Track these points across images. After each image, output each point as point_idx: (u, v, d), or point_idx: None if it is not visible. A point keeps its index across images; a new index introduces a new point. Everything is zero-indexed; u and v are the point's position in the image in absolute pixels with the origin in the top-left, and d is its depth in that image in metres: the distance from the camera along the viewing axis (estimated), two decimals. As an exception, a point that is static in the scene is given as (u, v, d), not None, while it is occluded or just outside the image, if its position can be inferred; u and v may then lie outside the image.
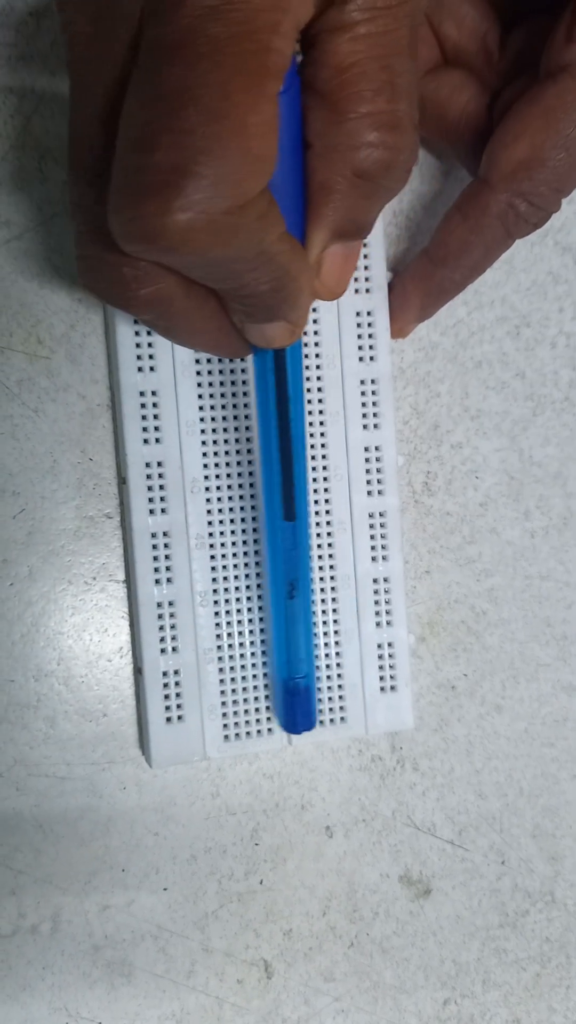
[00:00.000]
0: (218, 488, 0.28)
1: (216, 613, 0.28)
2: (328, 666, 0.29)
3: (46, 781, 0.29)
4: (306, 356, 0.28)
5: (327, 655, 0.29)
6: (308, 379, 0.28)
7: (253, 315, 0.21)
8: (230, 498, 0.28)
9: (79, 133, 0.20)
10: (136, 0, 0.18)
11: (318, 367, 0.28)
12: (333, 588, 0.29)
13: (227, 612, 0.28)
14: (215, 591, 0.28)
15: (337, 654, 0.29)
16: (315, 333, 0.28)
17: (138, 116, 0.18)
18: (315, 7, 0.19)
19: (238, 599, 0.28)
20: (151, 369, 0.27)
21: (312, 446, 0.28)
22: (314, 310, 0.28)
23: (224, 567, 0.28)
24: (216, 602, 0.28)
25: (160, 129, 0.17)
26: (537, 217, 0.26)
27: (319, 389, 0.28)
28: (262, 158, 0.18)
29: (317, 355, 0.28)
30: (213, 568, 0.28)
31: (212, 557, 0.28)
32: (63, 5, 0.19)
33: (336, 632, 0.29)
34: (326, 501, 0.28)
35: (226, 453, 0.28)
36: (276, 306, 0.21)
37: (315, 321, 0.28)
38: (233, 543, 0.28)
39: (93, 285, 0.21)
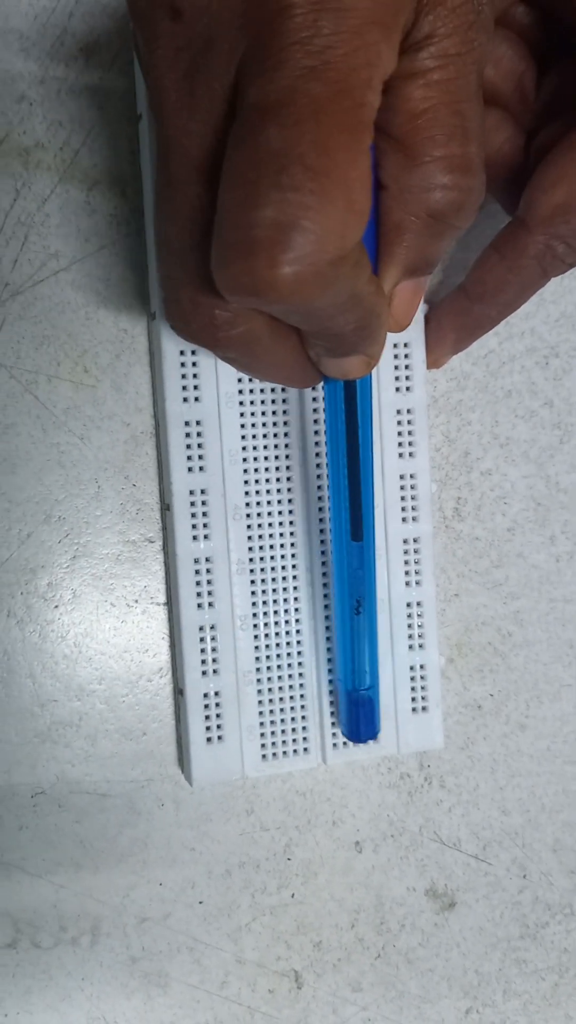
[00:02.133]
0: (259, 515, 0.28)
1: (256, 636, 0.29)
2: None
3: (87, 798, 0.29)
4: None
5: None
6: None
7: (334, 351, 0.22)
8: (270, 524, 0.28)
9: (176, 181, 0.20)
10: (230, 58, 0.19)
11: (356, 397, 0.29)
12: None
13: (266, 635, 0.29)
14: (255, 615, 0.29)
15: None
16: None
17: (244, 173, 0.18)
18: (397, 54, 0.20)
19: (276, 623, 0.29)
20: (196, 400, 0.28)
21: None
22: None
23: (264, 592, 0.29)
24: (256, 626, 0.29)
25: (267, 187, 0.18)
26: (573, 258, 0.26)
27: (357, 419, 0.29)
28: (362, 210, 0.19)
29: (355, 386, 0.29)
30: (253, 593, 0.28)
31: (252, 582, 0.28)
32: (153, 59, 0.20)
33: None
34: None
35: (267, 481, 0.28)
36: (358, 342, 0.22)
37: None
38: (272, 568, 0.29)
39: (183, 327, 0.21)
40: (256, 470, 0.28)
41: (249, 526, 0.28)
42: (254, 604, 0.28)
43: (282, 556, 0.29)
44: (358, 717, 0.28)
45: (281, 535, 0.29)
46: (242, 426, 0.28)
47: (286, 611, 0.29)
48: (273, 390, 0.28)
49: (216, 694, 0.28)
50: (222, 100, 0.19)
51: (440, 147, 0.20)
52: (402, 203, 0.21)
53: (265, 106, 0.18)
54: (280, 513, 0.29)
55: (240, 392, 0.28)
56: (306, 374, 0.23)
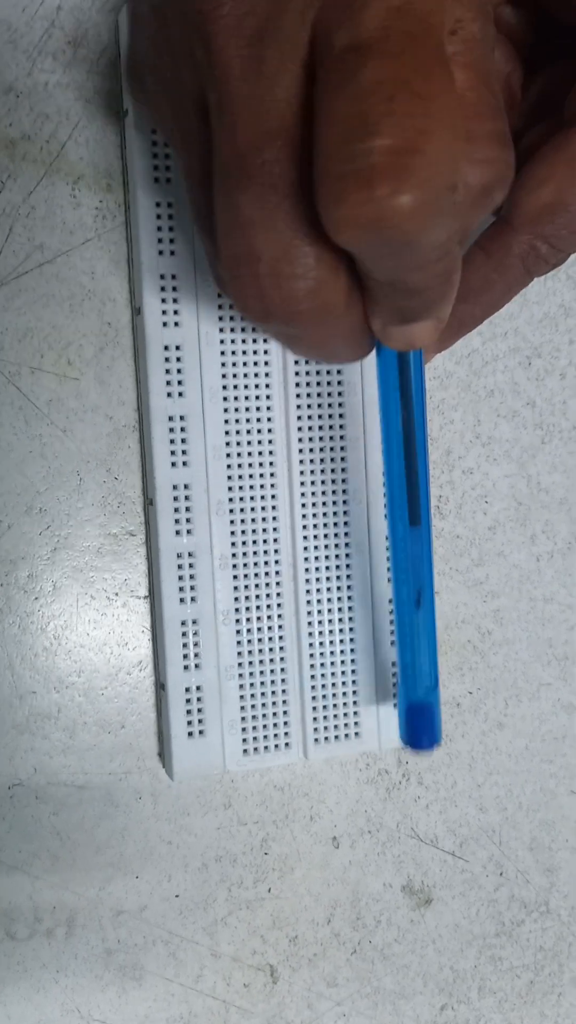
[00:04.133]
0: (242, 511, 0.28)
1: (238, 632, 0.29)
2: (343, 683, 0.30)
3: (64, 790, 0.29)
4: (328, 383, 0.29)
5: (343, 672, 0.30)
6: (329, 405, 0.29)
7: (409, 314, 0.22)
8: (253, 520, 0.29)
9: (249, 150, 0.20)
10: (303, 16, 0.19)
11: (340, 394, 0.29)
12: (350, 608, 0.29)
13: (248, 631, 0.29)
14: (237, 610, 0.29)
15: (353, 672, 0.30)
16: (338, 361, 0.29)
17: (350, 108, 0.18)
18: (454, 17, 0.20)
19: (259, 618, 0.29)
20: (180, 395, 0.28)
21: (332, 470, 0.29)
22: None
23: (246, 587, 0.29)
24: (238, 621, 0.29)
25: (379, 115, 0.18)
26: (557, 258, 0.27)
27: (340, 415, 0.29)
28: (463, 133, 0.19)
29: (339, 382, 0.29)
30: (235, 588, 0.29)
31: (235, 577, 0.28)
32: (215, 28, 0.20)
33: (352, 650, 0.30)
34: (345, 524, 0.29)
35: (250, 477, 0.28)
36: (437, 300, 0.22)
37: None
38: (255, 564, 0.29)
39: (257, 305, 0.21)
40: (240, 465, 0.28)
41: (232, 521, 0.28)
42: (236, 599, 0.29)
43: (265, 552, 0.29)
44: (419, 724, 0.27)
45: (264, 531, 0.29)
46: (226, 421, 0.28)
47: (268, 607, 0.29)
48: (257, 385, 0.28)
49: (198, 688, 0.28)
50: (296, 62, 0.19)
51: (488, 122, 0.21)
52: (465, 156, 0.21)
53: (362, 44, 0.18)
54: (263, 509, 0.29)
55: (224, 387, 0.28)
56: (362, 347, 0.23)
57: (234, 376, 0.28)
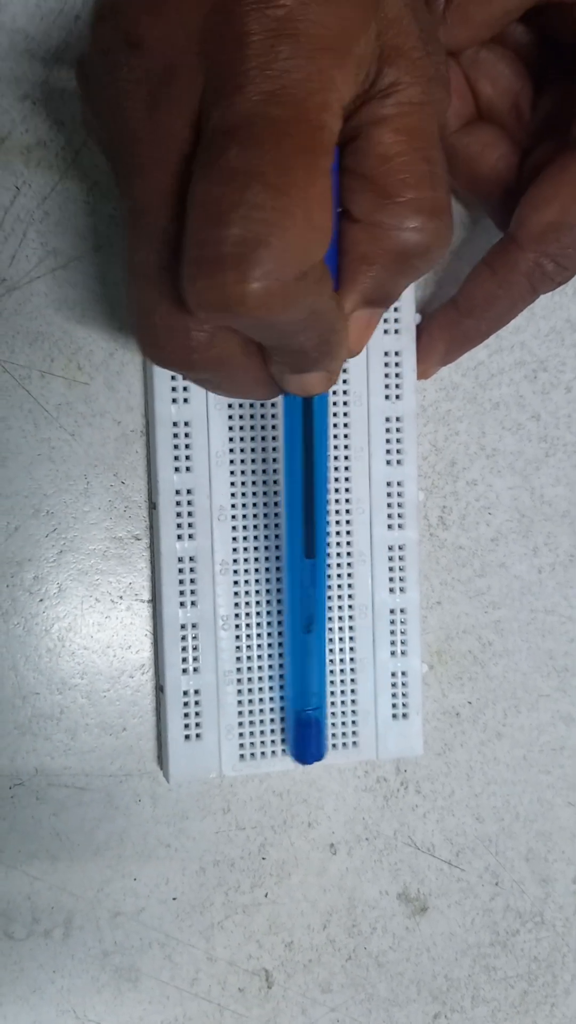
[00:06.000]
0: (243, 517, 0.29)
1: (237, 637, 0.29)
2: (343, 692, 0.30)
3: (65, 791, 0.30)
4: (334, 392, 0.29)
5: (342, 681, 0.30)
6: (335, 415, 0.29)
7: (296, 366, 0.23)
8: (255, 527, 0.29)
9: (144, 208, 0.20)
10: (192, 85, 0.19)
11: (345, 403, 0.29)
12: (351, 617, 0.30)
13: (247, 636, 0.29)
14: (237, 615, 0.29)
15: (352, 680, 0.30)
16: (344, 371, 0.29)
17: (209, 193, 0.19)
18: (355, 87, 0.20)
19: (258, 624, 0.29)
20: (185, 401, 0.28)
21: (336, 480, 0.29)
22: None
23: (246, 592, 0.29)
24: (237, 626, 0.29)
25: (231, 205, 0.18)
26: (562, 276, 0.27)
27: (345, 425, 0.29)
28: (323, 227, 0.19)
29: (345, 392, 0.29)
30: (236, 593, 0.29)
31: (235, 583, 0.29)
32: (115, 90, 0.20)
33: (352, 660, 0.30)
34: (348, 533, 0.30)
35: (252, 484, 0.29)
36: (319, 358, 0.22)
37: (344, 360, 0.29)
38: (256, 570, 0.29)
39: (155, 352, 0.22)
40: (243, 472, 0.29)
41: (234, 527, 0.29)
42: (236, 604, 0.29)
43: (266, 558, 0.29)
44: (306, 738, 0.28)
45: (266, 537, 0.29)
46: (230, 428, 0.28)
47: (268, 612, 0.29)
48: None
49: (196, 692, 0.29)
50: (186, 127, 0.20)
51: (411, 189, 0.21)
52: (372, 237, 0.22)
53: (228, 128, 0.19)
54: (265, 515, 0.29)
55: (230, 395, 0.28)
56: (269, 390, 0.24)
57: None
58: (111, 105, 0.21)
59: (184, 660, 0.28)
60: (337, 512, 0.29)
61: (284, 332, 0.21)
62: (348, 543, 0.30)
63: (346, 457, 0.29)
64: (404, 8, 0.21)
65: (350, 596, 0.30)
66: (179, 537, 0.28)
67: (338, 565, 0.30)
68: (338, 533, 0.29)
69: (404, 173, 0.21)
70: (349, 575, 0.30)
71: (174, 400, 0.28)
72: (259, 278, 0.18)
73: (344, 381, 0.29)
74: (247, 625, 0.29)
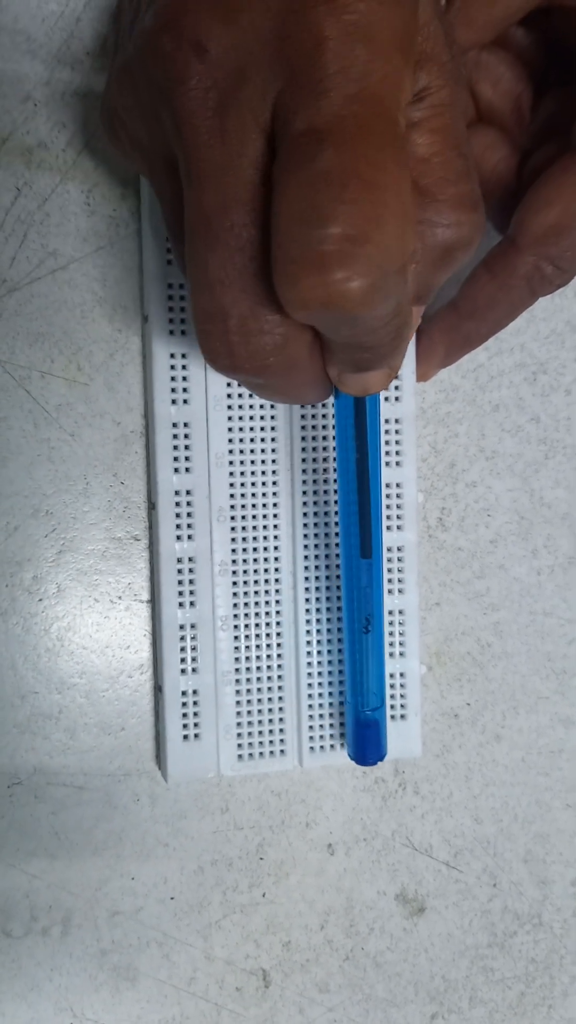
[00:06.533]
0: (243, 518, 0.29)
1: (236, 637, 0.29)
2: (341, 693, 0.30)
3: (64, 790, 0.30)
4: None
5: (341, 683, 0.30)
6: (334, 415, 0.29)
7: (363, 364, 0.23)
8: (254, 528, 0.29)
9: (215, 214, 0.20)
10: (264, 91, 0.20)
11: (344, 405, 0.29)
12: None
13: (246, 637, 0.29)
14: (235, 616, 0.29)
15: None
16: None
17: (303, 193, 0.19)
18: (415, 86, 0.21)
19: (257, 624, 0.29)
20: (185, 402, 0.28)
21: (335, 480, 0.29)
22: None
23: (245, 593, 0.29)
24: (236, 627, 0.29)
25: (332, 203, 0.18)
26: (562, 279, 0.27)
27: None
28: (414, 218, 0.20)
29: (344, 394, 0.29)
30: (235, 594, 0.29)
31: (234, 583, 0.29)
32: (183, 99, 0.20)
33: (350, 661, 0.30)
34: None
35: (252, 484, 0.29)
36: (388, 354, 0.22)
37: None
38: (255, 571, 0.29)
39: (227, 359, 0.21)
40: (242, 473, 0.29)
41: (233, 528, 0.29)
42: (235, 605, 0.29)
43: (265, 559, 0.29)
44: (365, 740, 0.28)
45: (265, 538, 0.29)
46: (229, 429, 0.28)
47: (267, 614, 0.29)
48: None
49: (194, 692, 0.29)
50: (257, 133, 0.20)
51: (452, 186, 0.22)
52: (418, 235, 0.22)
53: (317, 131, 0.19)
54: (264, 516, 0.29)
55: (228, 396, 0.28)
56: (323, 391, 0.24)
57: (239, 384, 0.28)
58: (176, 113, 0.20)
59: (183, 660, 0.29)
60: (336, 513, 0.29)
61: (371, 327, 0.21)
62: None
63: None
64: (432, 13, 0.21)
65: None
66: (178, 538, 0.28)
67: (337, 567, 0.30)
68: (336, 534, 0.29)
69: (443, 171, 0.22)
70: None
71: (174, 401, 0.28)
72: (364, 274, 0.19)
73: (344, 383, 0.29)
74: (246, 626, 0.29)
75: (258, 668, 0.29)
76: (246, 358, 0.21)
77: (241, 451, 0.29)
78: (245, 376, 0.22)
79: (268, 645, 0.29)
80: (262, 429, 0.29)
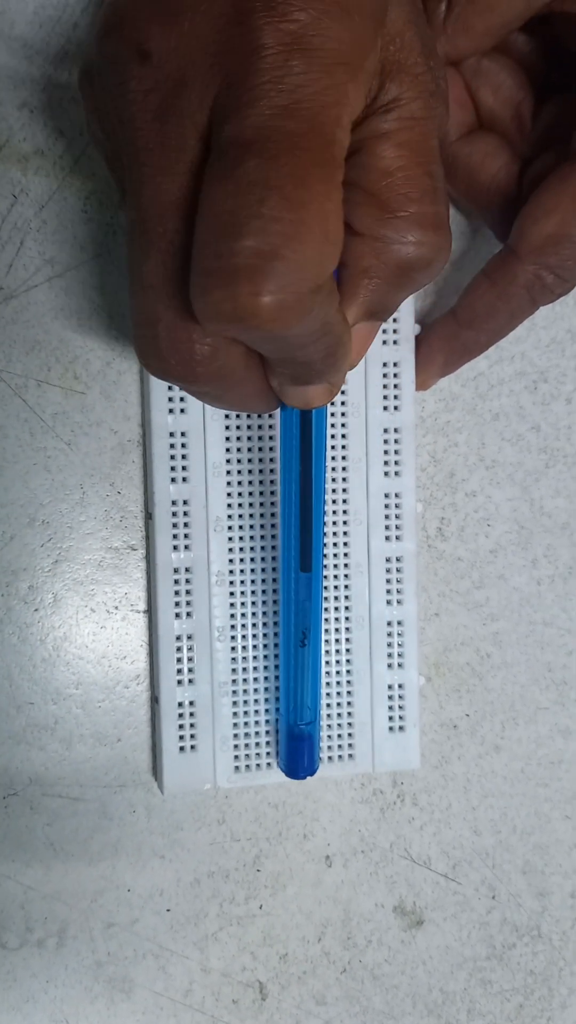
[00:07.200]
0: (240, 528, 0.29)
1: (232, 648, 0.29)
2: (339, 704, 0.30)
3: (59, 801, 0.29)
4: (332, 403, 0.29)
5: (339, 694, 0.30)
6: (333, 426, 0.29)
7: (299, 379, 0.23)
8: (251, 538, 0.29)
9: (151, 218, 0.20)
10: (203, 97, 0.19)
11: (343, 415, 0.29)
12: (348, 629, 0.30)
13: (243, 648, 0.29)
14: (232, 627, 0.29)
15: (348, 693, 0.30)
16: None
17: (223, 204, 0.19)
18: (364, 101, 0.20)
19: (254, 636, 0.29)
20: (182, 411, 0.28)
21: (334, 491, 0.29)
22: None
23: (243, 604, 0.29)
24: (233, 637, 0.29)
25: (247, 217, 0.18)
26: (562, 288, 0.27)
27: (343, 436, 0.29)
28: (336, 240, 0.19)
29: (343, 403, 0.29)
30: (232, 605, 0.29)
31: (231, 594, 0.29)
32: (123, 101, 0.20)
33: (348, 672, 0.30)
34: (345, 544, 0.29)
35: (249, 495, 0.29)
36: (323, 371, 0.22)
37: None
38: (252, 581, 0.29)
39: (158, 364, 0.21)
40: (239, 483, 0.28)
41: (230, 538, 0.28)
42: (232, 616, 0.29)
43: (262, 570, 0.29)
44: (299, 752, 0.28)
45: (262, 548, 0.29)
46: (227, 439, 0.28)
47: (264, 624, 0.29)
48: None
49: (191, 703, 0.28)
50: (195, 139, 0.20)
51: (414, 204, 0.21)
52: (374, 251, 0.22)
53: (243, 141, 0.19)
54: (262, 527, 0.29)
55: (227, 405, 0.28)
56: (268, 402, 0.24)
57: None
58: (119, 114, 0.20)
59: (179, 671, 0.28)
60: (334, 524, 0.29)
61: (293, 345, 0.20)
62: (345, 555, 0.29)
63: (344, 468, 0.29)
64: (407, 23, 0.21)
65: (347, 608, 0.30)
66: (175, 548, 0.28)
67: (335, 577, 0.29)
68: (335, 545, 0.29)
69: (406, 188, 0.21)
70: (346, 587, 0.29)
71: (171, 410, 0.28)
72: (273, 291, 0.18)
73: (343, 392, 0.29)
74: (243, 636, 0.29)
75: (255, 679, 0.29)
76: (175, 365, 0.21)
77: (238, 460, 0.28)
78: (177, 383, 0.22)
79: (265, 656, 0.29)
80: (259, 439, 0.29)
